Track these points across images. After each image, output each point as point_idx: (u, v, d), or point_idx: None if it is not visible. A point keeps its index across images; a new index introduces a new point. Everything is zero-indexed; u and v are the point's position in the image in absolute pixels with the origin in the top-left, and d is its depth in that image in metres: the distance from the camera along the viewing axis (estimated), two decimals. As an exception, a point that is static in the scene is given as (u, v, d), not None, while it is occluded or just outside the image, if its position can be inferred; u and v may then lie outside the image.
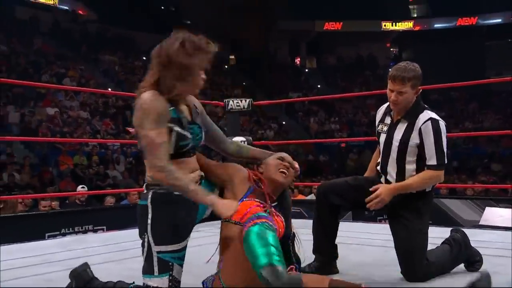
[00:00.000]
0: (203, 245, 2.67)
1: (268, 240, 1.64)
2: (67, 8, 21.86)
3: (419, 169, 2.37)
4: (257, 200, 1.96)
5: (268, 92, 21.42)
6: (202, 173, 2.01)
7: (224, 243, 1.91)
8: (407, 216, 2.36)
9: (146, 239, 1.85)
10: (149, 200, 1.87)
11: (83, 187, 7.00)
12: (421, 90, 2.41)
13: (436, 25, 26.30)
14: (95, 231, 5.08)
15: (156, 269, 1.82)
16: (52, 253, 3.09)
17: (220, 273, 1.78)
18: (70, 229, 4.98)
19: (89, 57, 18.19)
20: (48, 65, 15.75)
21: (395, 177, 2.41)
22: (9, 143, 10.86)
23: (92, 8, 21.89)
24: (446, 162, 2.33)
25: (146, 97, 1.82)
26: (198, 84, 1.91)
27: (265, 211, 1.91)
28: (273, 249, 1.62)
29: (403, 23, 26.92)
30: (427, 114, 2.36)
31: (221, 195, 2.04)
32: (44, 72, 14.86)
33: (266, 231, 1.67)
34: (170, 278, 1.81)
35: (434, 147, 2.31)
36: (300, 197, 7.89)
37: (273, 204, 2.03)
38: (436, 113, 2.42)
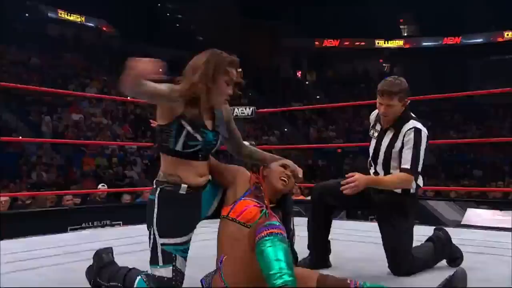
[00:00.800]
0: (210, 239, 2.65)
1: (281, 255, 1.55)
2: (92, 25, 22.02)
3: None
4: (254, 200, 1.93)
5: (272, 102, 21.41)
6: (210, 178, 1.99)
7: (225, 241, 1.86)
8: (394, 216, 2.33)
9: (152, 231, 1.84)
10: (156, 195, 1.87)
11: (103, 185, 6.99)
12: (409, 102, 2.38)
13: (424, 44, 26.29)
14: (112, 225, 5.07)
15: (160, 259, 1.80)
16: (72, 245, 3.09)
17: (222, 271, 1.71)
18: (90, 223, 4.97)
19: (111, 69, 18.28)
20: (75, 76, 15.84)
21: None
22: (40, 146, 10.92)
23: (115, 25, 22.03)
24: (419, 170, 2.27)
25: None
26: (221, 94, 1.90)
27: (261, 211, 1.87)
28: (285, 265, 1.54)
29: (394, 41, 26.93)
30: (412, 123, 2.33)
31: (224, 194, 2.01)
32: (71, 83, 14.94)
33: (279, 245, 1.57)
34: (174, 268, 1.79)
35: (411, 154, 2.26)
36: (301, 197, 7.85)
37: (271, 205, 1.99)
38: (423, 122, 2.39)
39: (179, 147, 1.85)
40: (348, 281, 1.69)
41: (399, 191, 2.34)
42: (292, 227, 2.07)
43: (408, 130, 2.31)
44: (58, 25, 20.16)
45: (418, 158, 2.27)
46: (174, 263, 1.81)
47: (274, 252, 1.55)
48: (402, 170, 2.28)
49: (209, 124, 1.93)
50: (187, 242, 1.87)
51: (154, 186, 1.90)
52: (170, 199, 1.85)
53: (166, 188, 1.87)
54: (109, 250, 2.06)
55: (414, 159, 2.26)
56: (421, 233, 2.57)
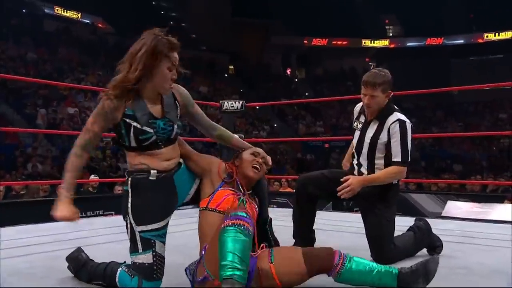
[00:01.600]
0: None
1: (237, 247, 1.52)
2: (88, 21, 21.75)
3: (387, 164, 2.32)
4: (231, 189, 1.89)
5: (262, 98, 21.37)
6: (181, 161, 1.94)
7: (205, 230, 1.82)
8: (377, 205, 2.31)
9: (128, 221, 1.79)
10: (129, 185, 1.81)
11: (95, 176, 6.89)
12: (392, 94, 2.35)
13: (409, 44, 26.39)
14: (105, 215, 5.00)
15: (140, 247, 1.75)
16: (63, 233, 3.02)
17: (204, 260, 1.68)
18: (83, 213, 4.90)
19: (107, 65, 18.10)
20: (71, 71, 15.64)
21: (366, 170, 2.37)
22: (35, 138, 10.76)
23: (110, 22, 21.79)
24: (409, 160, 2.27)
25: (103, 94, 1.81)
26: (165, 80, 1.81)
27: (239, 199, 1.85)
28: (237, 259, 1.51)
29: (380, 41, 27.02)
30: (396, 115, 2.31)
31: (201, 183, 1.96)
32: (67, 77, 14.76)
33: (240, 237, 1.54)
34: (154, 254, 1.75)
35: (400, 146, 2.25)
36: (288, 190, 7.83)
37: (248, 193, 1.95)
38: (407, 118, 2.36)
39: (133, 143, 1.81)
40: (333, 249, 1.71)
41: None
42: (267, 213, 2.03)
43: (393, 123, 2.28)
44: (55, 21, 19.90)
45: (407, 149, 2.26)
46: (153, 248, 1.76)
47: (232, 243, 1.53)
48: (394, 163, 2.27)
49: (158, 112, 1.85)
50: (165, 227, 1.82)
51: (126, 177, 1.85)
52: (142, 186, 1.80)
53: (136, 177, 1.82)
54: (79, 251, 2.00)
55: (404, 151, 2.25)
56: (403, 224, 2.55)
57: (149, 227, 1.77)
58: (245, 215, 1.60)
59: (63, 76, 14.71)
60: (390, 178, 2.29)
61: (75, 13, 21.23)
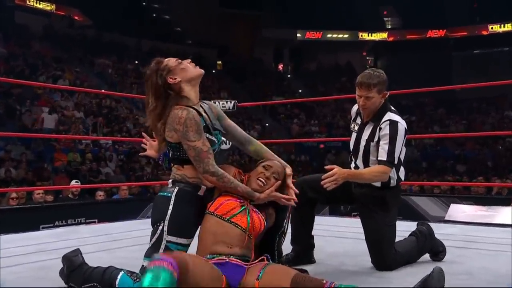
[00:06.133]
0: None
1: None
2: (64, 13, 21.59)
3: None
4: (236, 195, 1.99)
5: (253, 96, 21.41)
6: None
7: (200, 234, 1.96)
8: (376, 209, 2.39)
9: (160, 227, 1.89)
10: (174, 193, 1.94)
11: (76, 182, 6.91)
12: (388, 94, 2.43)
13: (409, 36, 26.58)
14: (87, 223, 5.04)
15: None
16: (47, 243, 3.07)
17: None
18: (64, 221, 4.94)
19: (85, 61, 18.01)
20: (45, 67, 15.54)
21: None
22: (7, 141, 10.69)
23: (88, 14, 21.66)
24: (395, 161, 2.33)
25: (183, 113, 1.95)
26: (186, 71, 2.04)
27: (241, 206, 1.95)
28: None
29: (378, 34, 27.15)
30: (388, 116, 2.38)
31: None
32: (41, 74, 14.66)
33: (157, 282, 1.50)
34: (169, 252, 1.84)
35: (387, 146, 2.32)
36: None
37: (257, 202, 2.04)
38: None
39: None
40: (324, 281, 1.73)
41: (378, 184, 2.39)
42: (284, 225, 2.12)
43: (383, 123, 2.36)
44: (27, 13, 19.72)
45: (394, 150, 2.32)
46: None
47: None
48: (379, 162, 2.35)
49: (210, 124, 2.04)
50: (189, 246, 1.95)
51: (170, 185, 1.98)
52: (188, 199, 1.94)
53: (185, 188, 1.96)
54: (77, 252, 2.08)
55: (390, 151, 2.31)
56: (405, 229, 2.64)
57: (179, 240, 1.90)
58: (167, 258, 1.57)
59: (36, 73, 14.61)
60: (373, 176, 2.34)
61: (49, 4, 21.06)
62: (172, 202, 1.92)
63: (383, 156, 2.32)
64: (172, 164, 2.07)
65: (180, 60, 2.06)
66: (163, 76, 2.00)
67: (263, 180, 2.03)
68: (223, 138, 2.12)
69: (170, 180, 2.01)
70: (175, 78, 2.00)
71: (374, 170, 2.34)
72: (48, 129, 11.53)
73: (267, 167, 2.08)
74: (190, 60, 2.07)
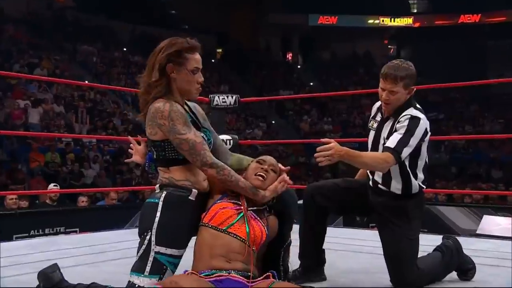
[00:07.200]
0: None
1: None
2: (41, -7, 21.64)
3: (404, 174, 2.38)
4: (232, 202, 2.02)
5: (257, 90, 21.44)
6: None
7: (195, 248, 1.99)
8: (395, 220, 2.39)
9: (148, 237, 1.91)
10: (161, 199, 1.95)
11: (55, 185, 6.95)
12: (414, 90, 2.43)
13: (437, 22, 26.51)
14: (67, 233, 5.07)
15: (148, 268, 1.87)
16: (20, 255, 3.09)
17: None
18: (40, 230, 4.98)
19: (65, 47, 18.06)
20: (20, 54, 15.61)
21: (381, 177, 2.44)
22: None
23: (69, -6, 21.73)
24: (402, 154, 2.29)
25: (166, 106, 1.96)
26: (187, 84, 2.04)
27: (239, 213, 1.98)
28: None
29: (402, 19, 27.06)
30: (410, 111, 2.38)
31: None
32: (15, 62, 14.73)
33: None
34: (159, 281, 1.86)
35: (401, 136, 2.30)
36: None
37: (259, 207, 2.07)
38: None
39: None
40: None
41: (399, 192, 2.40)
42: (289, 236, 2.15)
43: (403, 116, 2.36)
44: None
45: (406, 143, 2.30)
46: (162, 275, 1.88)
47: None
48: (384, 149, 2.32)
49: (198, 122, 2.11)
50: (181, 257, 1.96)
51: (157, 190, 2.01)
52: (177, 205, 1.96)
53: (173, 193, 1.97)
54: (55, 268, 2.10)
55: (401, 141, 2.29)
56: (429, 243, 2.65)
57: (169, 251, 1.91)
58: None
59: (10, 61, 14.68)
60: (374, 162, 2.31)
61: (25, -17, 21.14)
62: (159, 208, 1.94)
63: (391, 143, 2.30)
64: (157, 167, 2.09)
65: (197, 67, 2.04)
66: (167, 57, 1.99)
67: (263, 174, 2.07)
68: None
69: (157, 185, 2.04)
70: (173, 72, 2.01)
71: (376, 156, 2.34)
72: (34, 124, 11.59)
73: (261, 161, 2.13)
74: (202, 81, 2.07)
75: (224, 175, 1.96)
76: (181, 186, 1.99)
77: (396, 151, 2.28)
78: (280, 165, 2.18)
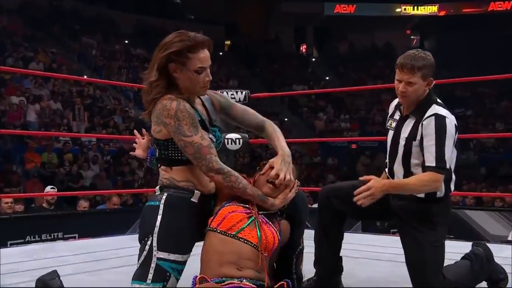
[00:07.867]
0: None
1: None
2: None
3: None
4: (242, 205, 2.03)
5: (268, 84, 21.45)
6: None
7: (202, 255, 1.99)
8: (418, 226, 2.38)
9: (148, 242, 1.92)
10: (162, 201, 1.97)
11: (52, 188, 7.00)
12: (434, 82, 2.43)
13: (465, 10, 26.34)
14: (65, 239, 5.11)
15: (150, 276, 1.88)
16: (16, 262, 3.12)
17: None
18: (37, 236, 5.01)
19: (62, 39, 18.17)
20: (14, 47, 15.73)
21: (403, 178, 2.43)
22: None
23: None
24: (446, 165, 2.31)
25: (173, 104, 1.97)
26: (192, 82, 2.03)
27: (249, 218, 1.98)
28: None
29: (426, 7, 26.94)
30: (434, 109, 2.38)
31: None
32: (9, 55, 14.85)
33: None
34: None
35: (435, 147, 2.30)
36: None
37: (270, 212, 2.07)
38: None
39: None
40: None
41: (422, 195, 2.39)
42: (301, 241, 2.15)
43: (428, 117, 2.36)
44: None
45: (443, 152, 2.30)
46: (165, 283, 1.88)
47: None
48: (427, 168, 2.32)
49: (207, 119, 2.11)
50: (185, 263, 1.97)
51: (157, 192, 2.02)
52: (179, 207, 1.97)
53: (175, 194, 1.99)
54: (54, 275, 2.12)
55: (439, 154, 2.30)
56: (456, 251, 2.65)
57: (172, 256, 1.92)
58: None
59: (3, 54, 14.81)
60: (422, 186, 2.32)
61: (19, -29, 21.31)
62: (160, 211, 1.95)
63: (430, 161, 2.31)
64: (158, 165, 2.11)
65: (202, 67, 2.02)
66: (167, 56, 1.99)
67: (275, 181, 2.06)
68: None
69: (158, 187, 2.05)
70: (176, 72, 2.02)
71: (423, 179, 2.33)
72: (32, 123, 11.67)
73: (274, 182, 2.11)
74: (209, 80, 2.06)
75: (231, 181, 1.97)
76: (182, 188, 2.01)
77: (438, 167, 2.30)
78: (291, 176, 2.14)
